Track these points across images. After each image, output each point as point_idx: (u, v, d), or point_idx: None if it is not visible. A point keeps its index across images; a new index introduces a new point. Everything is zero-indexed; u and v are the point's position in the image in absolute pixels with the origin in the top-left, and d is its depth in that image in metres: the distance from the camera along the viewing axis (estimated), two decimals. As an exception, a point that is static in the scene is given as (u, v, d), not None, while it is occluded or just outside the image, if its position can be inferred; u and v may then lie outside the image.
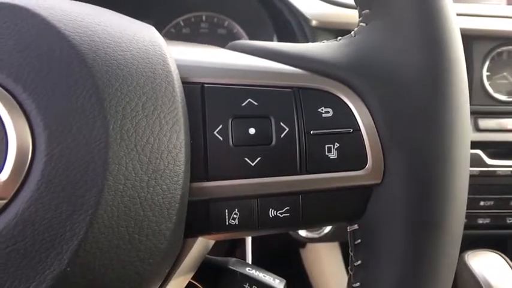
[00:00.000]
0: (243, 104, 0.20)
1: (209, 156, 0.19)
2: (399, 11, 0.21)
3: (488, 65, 0.53)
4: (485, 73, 0.53)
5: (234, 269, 0.27)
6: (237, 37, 0.63)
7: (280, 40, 0.57)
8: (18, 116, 0.15)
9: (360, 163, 0.20)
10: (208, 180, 0.19)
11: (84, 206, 0.16)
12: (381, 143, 0.20)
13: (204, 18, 0.63)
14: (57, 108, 0.16)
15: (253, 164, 0.19)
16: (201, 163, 0.19)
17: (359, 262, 0.21)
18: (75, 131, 0.16)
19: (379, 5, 0.22)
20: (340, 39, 0.24)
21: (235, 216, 0.20)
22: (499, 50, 0.53)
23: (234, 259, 0.29)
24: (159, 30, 0.59)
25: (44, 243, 0.15)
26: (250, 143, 0.19)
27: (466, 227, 0.48)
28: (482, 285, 0.46)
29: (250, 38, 0.62)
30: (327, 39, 0.48)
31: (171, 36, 0.62)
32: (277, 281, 0.27)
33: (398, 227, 0.20)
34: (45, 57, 0.16)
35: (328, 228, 0.51)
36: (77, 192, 0.16)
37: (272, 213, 0.20)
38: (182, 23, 0.63)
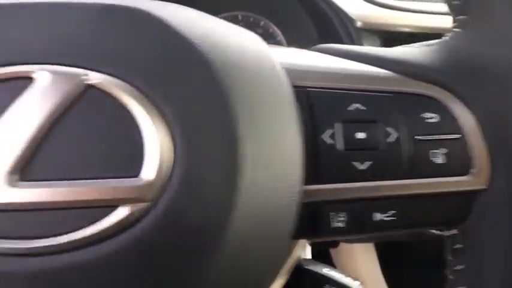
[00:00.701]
0: (350, 109, 0.20)
1: (318, 160, 0.19)
2: (501, 18, 0.21)
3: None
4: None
5: (313, 269, 0.27)
6: (273, 37, 0.63)
7: (323, 41, 0.57)
8: (158, 120, 0.15)
9: (466, 168, 0.20)
10: (315, 184, 0.19)
11: (219, 210, 0.16)
12: (488, 148, 0.20)
13: (240, 17, 0.63)
14: (192, 114, 0.16)
15: (360, 168, 0.20)
16: (310, 166, 0.19)
17: (462, 267, 0.21)
18: (208, 136, 0.16)
19: (478, 11, 0.22)
20: (431, 44, 0.23)
21: (340, 219, 0.20)
22: None
23: (304, 258, 0.29)
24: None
25: (182, 252, 0.15)
26: (358, 147, 0.20)
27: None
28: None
29: (287, 38, 0.62)
30: (372, 41, 0.47)
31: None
32: (356, 282, 0.27)
33: (506, 232, 0.20)
34: (177, 63, 0.16)
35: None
36: (212, 196, 0.16)
37: (377, 216, 0.20)
38: (218, 23, 0.63)
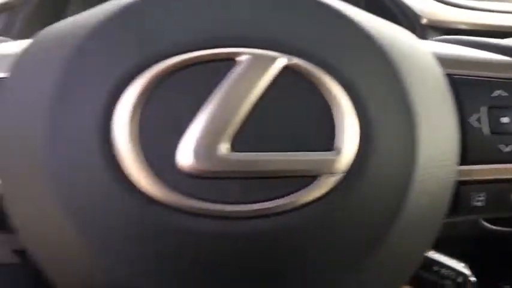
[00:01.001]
0: (493, 95, 0.21)
1: (465, 142, 0.21)
2: None
3: None
4: None
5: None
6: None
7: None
8: (350, 101, 0.17)
9: None
10: (462, 164, 0.21)
11: (399, 183, 0.17)
12: None
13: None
14: (380, 98, 0.17)
15: (505, 151, 0.21)
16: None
17: None
18: (392, 119, 0.17)
19: None
20: None
21: (479, 198, 0.21)
22: None
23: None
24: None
25: (372, 207, 0.17)
26: (503, 131, 0.21)
27: None
28: None
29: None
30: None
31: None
32: (461, 264, 0.29)
33: None
34: (365, 55, 0.18)
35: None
36: (394, 171, 0.17)
37: None
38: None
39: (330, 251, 0.17)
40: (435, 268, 0.28)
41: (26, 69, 0.18)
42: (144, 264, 0.16)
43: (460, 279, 0.28)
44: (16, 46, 0.21)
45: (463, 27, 0.51)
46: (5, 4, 0.47)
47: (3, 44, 0.24)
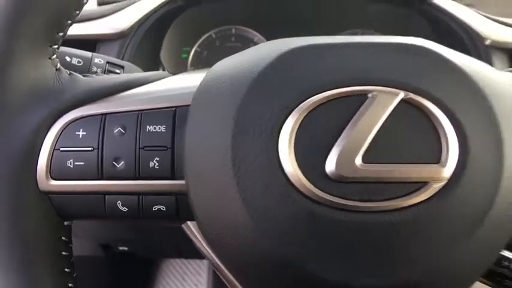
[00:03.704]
0: None
1: None
2: None
3: None
4: None
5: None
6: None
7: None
8: (453, 126, 0.23)
9: None
10: None
11: (489, 189, 0.23)
12: None
13: (360, 33, 0.70)
14: (475, 123, 0.23)
15: None
16: None
17: None
18: (485, 137, 0.23)
19: None
20: None
21: None
22: None
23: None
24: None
25: (464, 211, 0.23)
26: None
27: None
28: None
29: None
30: (500, 57, 0.53)
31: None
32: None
33: None
34: (461, 87, 0.24)
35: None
36: (486, 177, 0.23)
37: None
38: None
39: (438, 232, 0.23)
40: (505, 263, 0.33)
41: (206, 102, 0.25)
42: (305, 244, 0.23)
43: (529, 273, 0.33)
44: (194, 79, 0.28)
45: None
46: (120, 33, 0.56)
47: (182, 76, 0.31)
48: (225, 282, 0.28)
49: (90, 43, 0.56)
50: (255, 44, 0.71)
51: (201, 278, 1.22)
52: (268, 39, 0.71)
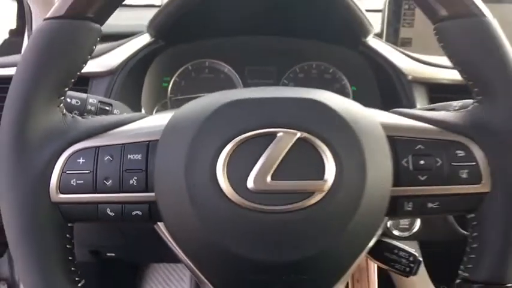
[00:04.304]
0: (416, 148, 0.38)
1: (399, 174, 0.38)
2: (499, 96, 0.38)
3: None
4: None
5: (387, 240, 0.45)
6: (339, 81, 0.82)
7: (381, 85, 0.75)
8: (332, 154, 0.34)
9: (478, 180, 0.38)
10: (397, 186, 0.38)
11: (355, 198, 0.34)
12: (491, 170, 0.38)
13: (314, 66, 0.83)
14: (355, 152, 0.35)
15: (422, 179, 0.37)
16: (395, 177, 0.37)
17: (476, 234, 0.38)
18: (355, 160, 0.35)
19: (487, 96, 0.39)
20: (459, 110, 0.41)
21: (409, 206, 0.38)
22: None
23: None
24: (282, 75, 0.80)
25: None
26: (421, 168, 0.37)
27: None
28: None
29: (351, 83, 0.81)
30: (420, 90, 0.66)
31: (290, 79, 0.82)
32: (413, 250, 0.45)
33: (500, 214, 0.37)
34: (342, 129, 0.35)
35: (417, 227, 0.68)
36: (352, 192, 0.34)
37: (429, 205, 0.38)
38: (298, 70, 0.83)
39: (320, 228, 0.34)
40: (395, 251, 0.45)
41: (169, 138, 0.37)
42: (236, 237, 0.34)
43: (411, 258, 0.45)
44: (163, 118, 0.39)
45: (440, 81, 0.68)
46: (109, 71, 0.67)
47: (154, 116, 0.42)
48: (189, 269, 0.39)
49: (84, 79, 0.67)
50: (225, 74, 0.84)
51: (184, 283, 1.32)
52: (236, 70, 0.83)
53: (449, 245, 0.43)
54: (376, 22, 0.88)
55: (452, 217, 0.66)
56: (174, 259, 0.40)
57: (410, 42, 0.88)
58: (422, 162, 0.38)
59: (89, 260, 0.97)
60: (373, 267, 0.69)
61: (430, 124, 0.40)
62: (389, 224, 0.69)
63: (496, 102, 0.38)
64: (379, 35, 0.88)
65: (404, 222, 0.69)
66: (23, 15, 0.93)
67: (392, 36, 0.89)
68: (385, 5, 0.87)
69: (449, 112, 0.42)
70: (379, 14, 0.91)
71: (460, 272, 0.39)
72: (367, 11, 1.04)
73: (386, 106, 0.65)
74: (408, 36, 0.88)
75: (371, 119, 0.38)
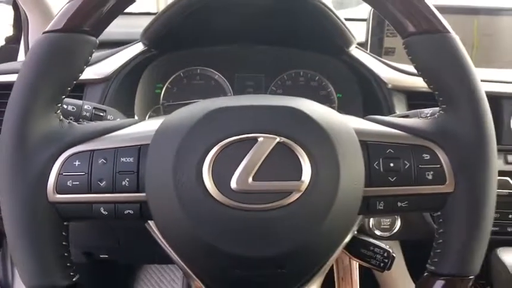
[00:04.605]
0: (387, 152, 0.41)
1: (371, 176, 0.41)
2: (461, 105, 0.41)
3: (515, 116, 0.73)
4: (512, 122, 0.73)
5: (363, 238, 0.49)
6: (325, 88, 0.85)
7: (364, 92, 0.78)
8: (307, 156, 0.38)
9: (443, 181, 0.41)
10: (369, 187, 0.41)
11: (328, 199, 0.38)
12: (454, 172, 0.41)
13: (301, 73, 0.86)
14: (318, 153, 0.38)
15: (391, 180, 0.41)
16: (367, 178, 0.41)
17: (441, 230, 0.42)
18: (328, 162, 0.38)
19: (451, 106, 0.42)
20: (428, 117, 0.45)
21: (381, 204, 0.41)
22: (522, 105, 0.73)
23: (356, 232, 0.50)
24: (271, 82, 0.83)
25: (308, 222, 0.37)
26: (390, 170, 0.41)
27: (498, 233, 0.68)
28: (510, 271, 0.65)
29: (336, 90, 0.85)
30: (399, 97, 0.70)
31: (279, 86, 0.86)
32: (387, 246, 0.49)
33: (463, 212, 0.41)
34: (315, 133, 0.39)
35: (397, 227, 0.72)
36: (326, 191, 0.38)
37: (399, 204, 0.41)
38: (286, 77, 0.86)
39: (298, 225, 0.37)
40: (371, 247, 0.48)
41: (159, 143, 0.40)
42: (221, 233, 0.37)
43: (385, 254, 0.48)
44: (153, 124, 0.42)
45: (417, 89, 0.72)
46: (103, 78, 0.70)
47: (146, 122, 0.45)
48: (176, 264, 0.42)
49: (79, 85, 0.70)
50: (216, 81, 0.87)
51: (176, 285, 1.34)
52: (226, 77, 0.86)
53: (427, 244, 0.46)
54: (362, 31, 0.93)
55: (430, 218, 0.70)
56: (166, 260, 0.43)
57: (393, 51, 0.92)
58: (392, 164, 0.41)
59: (82, 261, 0.99)
60: (355, 265, 0.72)
61: (400, 130, 0.43)
62: (371, 224, 0.72)
63: (458, 110, 0.41)
64: (364, 44, 0.92)
65: (385, 222, 0.72)
66: (19, 23, 0.96)
67: (377, 45, 0.93)
68: (370, 15, 0.91)
69: (419, 119, 0.45)
70: (365, 24, 0.95)
71: (427, 266, 0.43)
72: (353, 20, 1.09)
73: (368, 112, 0.69)
74: (392, 45, 0.92)
75: (345, 125, 0.41)
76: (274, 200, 0.37)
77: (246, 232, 0.37)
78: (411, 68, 0.73)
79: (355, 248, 0.49)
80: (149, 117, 0.85)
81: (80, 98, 0.66)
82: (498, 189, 0.41)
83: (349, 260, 0.71)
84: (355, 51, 0.76)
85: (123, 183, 0.40)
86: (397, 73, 0.73)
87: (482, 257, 0.41)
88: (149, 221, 0.42)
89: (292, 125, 0.39)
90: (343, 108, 0.84)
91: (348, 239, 0.42)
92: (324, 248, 0.40)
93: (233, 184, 0.37)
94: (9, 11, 1.10)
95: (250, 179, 0.37)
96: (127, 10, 0.45)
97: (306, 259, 0.39)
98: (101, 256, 0.96)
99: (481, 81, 0.41)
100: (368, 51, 0.79)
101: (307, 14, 0.70)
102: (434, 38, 0.41)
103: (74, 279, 0.41)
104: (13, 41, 1.09)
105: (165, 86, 0.86)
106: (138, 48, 0.77)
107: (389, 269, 0.49)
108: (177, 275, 1.33)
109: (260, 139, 0.38)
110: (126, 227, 0.76)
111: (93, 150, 0.41)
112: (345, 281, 0.74)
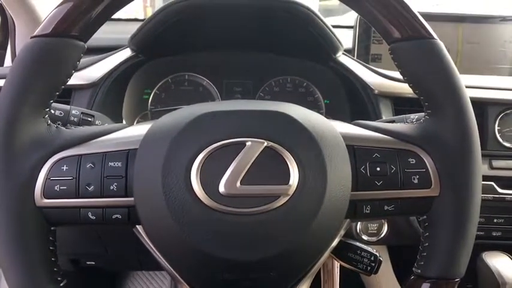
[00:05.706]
0: (373, 156, 0.42)
1: (358, 180, 0.41)
2: (446, 110, 0.42)
3: (499, 121, 0.75)
4: (496, 127, 0.75)
5: (350, 241, 0.49)
6: (313, 94, 0.86)
7: (351, 98, 0.79)
8: (294, 160, 0.38)
9: (429, 185, 0.42)
10: (356, 191, 0.41)
11: (316, 200, 0.38)
12: (439, 176, 0.42)
13: (289, 80, 0.87)
14: (307, 160, 0.38)
15: (378, 184, 0.41)
16: (353, 183, 0.41)
17: (427, 234, 0.42)
18: (315, 168, 0.38)
19: (436, 111, 0.43)
20: (413, 122, 0.46)
21: (367, 208, 0.42)
22: (506, 111, 0.75)
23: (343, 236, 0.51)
24: (258, 88, 0.83)
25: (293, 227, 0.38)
26: (377, 174, 0.41)
27: (484, 237, 0.69)
28: (496, 276, 0.66)
29: (323, 96, 0.86)
30: (385, 103, 0.71)
31: (266, 92, 0.86)
32: (374, 250, 0.49)
33: (447, 215, 0.41)
34: (303, 139, 0.39)
35: (384, 232, 0.73)
36: (317, 193, 0.38)
37: (385, 207, 0.42)
38: (273, 83, 0.87)
39: (285, 228, 0.37)
40: (358, 251, 0.48)
41: (147, 148, 0.40)
42: (209, 236, 0.37)
43: (372, 258, 0.48)
44: (142, 129, 0.42)
45: (403, 95, 0.73)
46: (91, 83, 0.70)
47: (134, 127, 0.45)
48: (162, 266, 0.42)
49: (67, 90, 0.70)
50: (204, 87, 0.87)
51: (164, 292, 1.33)
52: (214, 83, 0.87)
53: (414, 248, 0.47)
54: (349, 38, 0.94)
55: (416, 223, 0.71)
56: (153, 266, 0.43)
57: (380, 58, 0.93)
58: (378, 169, 0.42)
59: (68, 268, 0.98)
60: (336, 269, 0.72)
61: (387, 135, 0.44)
62: (358, 229, 0.73)
63: (443, 116, 0.42)
64: (350, 51, 0.93)
65: (372, 227, 0.73)
66: (6, 28, 0.95)
67: (364, 52, 0.94)
68: (356, 22, 0.93)
69: (404, 124, 0.46)
70: (352, 31, 0.96)
71: (413, 269, 0.43)
72: (341, 27, 1.11)
73: (355, 117, 0.70)
74: (378, 52, 0.94)
75: (332, 129, 0.42)
76: (262, 204, 0.37)
77: (234, 236, 0.37)
78: (397, 74, 0.75)
79: (343, 252, 0.49)
80: (137, 123, 0.85)
81: (67, 104, 0.65)
82: (483, 193, 0.42)
83: (331, 262, 0.72)
84: (342, 57, 0.77)
85: (111, 187, 0.40)
86: (383, 79, 0.74)
87: (468, 260, 0.42)
88: (137, 226, 0.42)
89: (280, 130, 0.39)
90: (330, 114, 0.85)
91: (335, 242, 0.42)
92: (312, 252, 0.40)
93: (221, 188, 0.37)
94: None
95: (238, 183, 0.37)
96: (115, 16, 0.45)
97: (294, 262, 0.39)
98: (88, 263, 0.95)
99: (466, 87, 0.42)
100: (355, 58, 0.80)
101: (295, 20, 0.71)
102: (419, 44, 0.42)
103: (61, 284, 0.41)
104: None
105: (153, 92, 0.86)
106: (125, 53, 0.77)
107: (376, 272, 0.49)
108: (164, 282, 1.32)
109: (248, 143, 0.38)
110: (114, 234, 0.75)
111: (81, 155, 0.41)
112: (327, 284, 0.74)
